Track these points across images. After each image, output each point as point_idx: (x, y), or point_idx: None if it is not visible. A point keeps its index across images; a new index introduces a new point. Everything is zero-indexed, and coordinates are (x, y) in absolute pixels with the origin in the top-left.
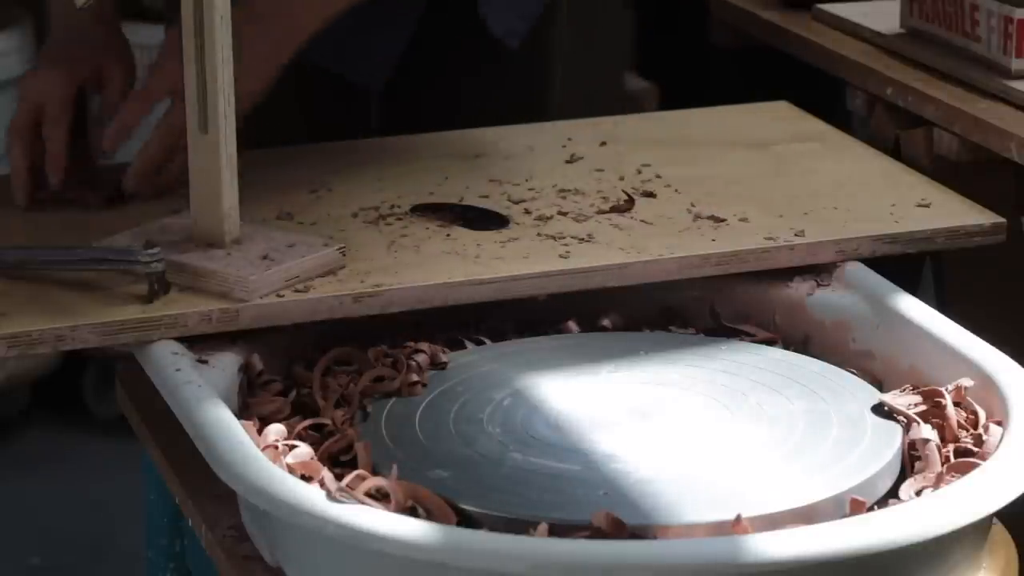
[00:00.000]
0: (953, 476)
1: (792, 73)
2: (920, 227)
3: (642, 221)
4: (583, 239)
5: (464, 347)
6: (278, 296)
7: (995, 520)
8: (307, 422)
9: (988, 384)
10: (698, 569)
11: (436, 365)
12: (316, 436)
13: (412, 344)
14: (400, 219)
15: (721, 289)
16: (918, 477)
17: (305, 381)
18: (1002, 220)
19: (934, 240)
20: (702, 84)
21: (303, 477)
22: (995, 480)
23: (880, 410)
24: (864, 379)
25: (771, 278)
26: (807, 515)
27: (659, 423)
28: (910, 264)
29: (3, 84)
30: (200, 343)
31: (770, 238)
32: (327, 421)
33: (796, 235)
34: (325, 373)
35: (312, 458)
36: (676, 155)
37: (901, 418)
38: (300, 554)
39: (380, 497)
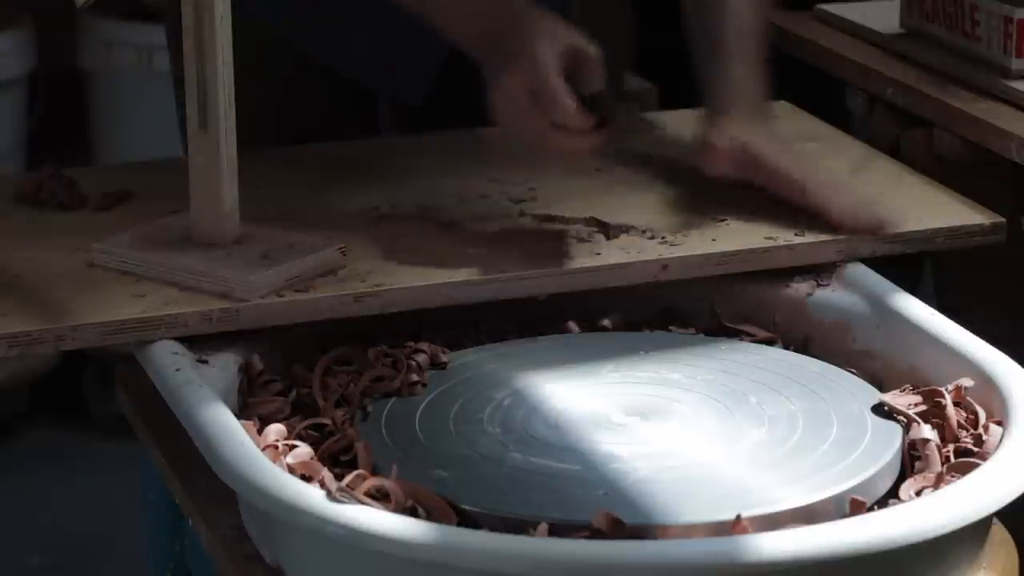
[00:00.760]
0: (953, 476)
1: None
2: (920, 227)
3: (642, 221)
4: (583, 239)
5: (464, 347)
6: (278, 296)
7: (995, 520)
8: (307, 422)
9: (988, 384)
10: (698, 569)
11: (436, 365)
12: (316, 436)
13: (412, 344)
14: (400, 219)
15: (721, 289)
16: (918, 477)
17: (305, 381)
18: (1002, 220)
19: (934, 240)
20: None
21: (303, 477)
22: (995, 480)
23: (880, 410)
24: (864, 379)
25: (771, 278)
26: (807, 515)
27: (659, 423)
28: (910, 264)
29: (3, 84)
30: (200, 343)
31: (770, 238)
32: (327, 421)
33: (796, 235)
34: (325, 373)
35: (312, 458)
36: (676, 155)
37: (901, 418)
38: (300, 554)
39: (380, 497)
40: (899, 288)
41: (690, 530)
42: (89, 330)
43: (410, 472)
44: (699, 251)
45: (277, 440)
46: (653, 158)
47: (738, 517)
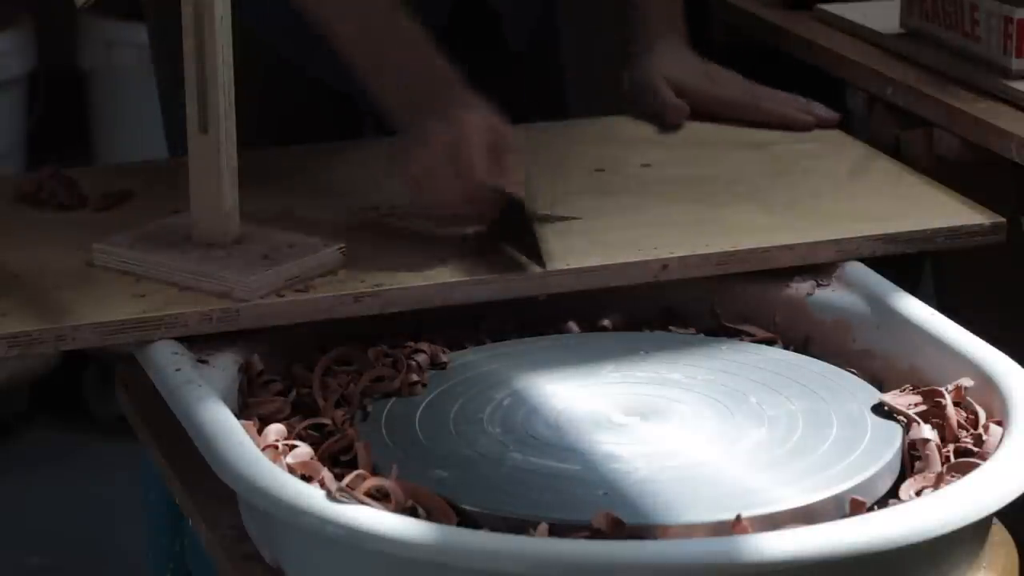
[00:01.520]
0: (953, 476)
1: (792, 73)
2: (920, 227)
3: (642, 221)
4: (583, 239)
5: (464, 347)
6: (278, 296)
7: (995, 520)
8: (307, 422)
9: (988, 384)
10: (698, 569)
11: (436, 365)
12: (316, 436)
13: (412, 344)
14: (400, 219)
15: (721, 289)
16: (918, 477)
17: (305, 381)
18: (1002, 220)
19: (934, 240)
20: None
21: (303, 477)
22: (995, 480)
23: (880, 410)
24: (864, 379)
25: (771, 278)
26: (807, 515)
27: (659, 423)
28: (910, 264)
29: (3, 84)
30: (200, 343)
31: (770, 238)
32: (327, 421)
33: (796, 235)
34: (325, 373)
35: (312, 458)
36: (676, 155)
37: (901, 418)
38: (300, 554)
39: (380, 497)
40: (899, 288)
41: (690, 530)
42: (89, 330)
43: (410, 472)
44: (699, 251)
45: (277, 440)
46: (653, 159)
47: (738, 517)
